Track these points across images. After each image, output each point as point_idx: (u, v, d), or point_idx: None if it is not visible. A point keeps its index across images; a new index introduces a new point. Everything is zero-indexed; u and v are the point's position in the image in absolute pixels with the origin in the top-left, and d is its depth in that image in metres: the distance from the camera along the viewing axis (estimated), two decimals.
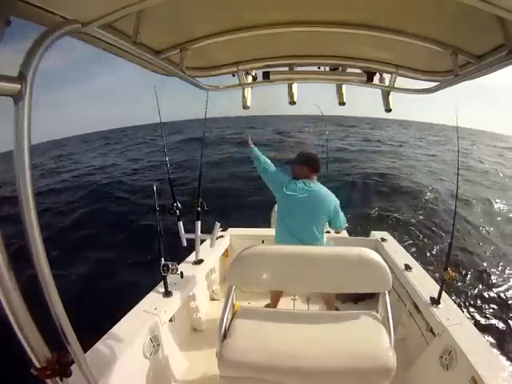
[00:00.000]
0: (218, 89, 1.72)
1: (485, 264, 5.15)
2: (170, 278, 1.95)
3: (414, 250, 5.23)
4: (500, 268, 5.08)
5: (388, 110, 1.75)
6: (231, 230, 3.04)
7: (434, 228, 6.41)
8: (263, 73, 1.57)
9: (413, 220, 6.88)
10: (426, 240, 5.91)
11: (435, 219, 6.84)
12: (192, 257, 2.48)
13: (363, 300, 2.63)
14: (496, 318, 3.85)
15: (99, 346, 1.45)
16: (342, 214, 2.15)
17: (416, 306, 2.00)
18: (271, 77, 1.57)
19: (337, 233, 3.06)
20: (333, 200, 2.08)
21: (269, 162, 2.26)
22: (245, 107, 1.83)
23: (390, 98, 1.73)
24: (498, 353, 1.49)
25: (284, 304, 2.47)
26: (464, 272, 4.78)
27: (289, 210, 2.09)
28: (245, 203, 7.38)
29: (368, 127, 39.17)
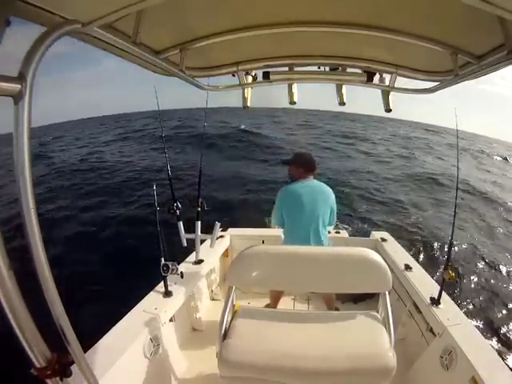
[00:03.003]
0: (218, 89, 1.72)
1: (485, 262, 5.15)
2: (170, 278, 1.95)
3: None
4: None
5: (388, 110, 1.76)
6: (231, 230, 3.03)
7: None
8: (263, 73, 1.57)
9: None
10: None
11: None
12: (192, 257, 2.48)
13: (363, 300, 2.63)
14: (496, 317, 3.85)
15: (99, 345, 1.44)
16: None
17: (416, 306, 2.00)
18: (271, 77, 1.58)
19: (337, 233, 3.06)
20: (331, 192, 2.17)
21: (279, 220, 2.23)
22: (245, 107, 1.84)
23: (390, 97, 1.73)
24: (498, 353, 1.48)
25: (284, 304, 2.47)
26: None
27: (294, 206, 2.11)
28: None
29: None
